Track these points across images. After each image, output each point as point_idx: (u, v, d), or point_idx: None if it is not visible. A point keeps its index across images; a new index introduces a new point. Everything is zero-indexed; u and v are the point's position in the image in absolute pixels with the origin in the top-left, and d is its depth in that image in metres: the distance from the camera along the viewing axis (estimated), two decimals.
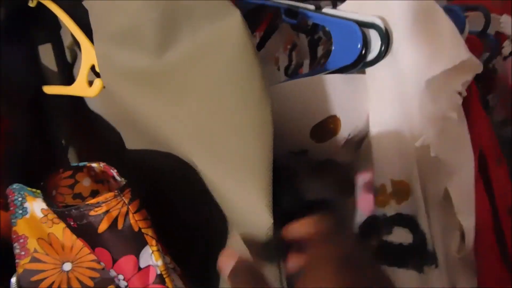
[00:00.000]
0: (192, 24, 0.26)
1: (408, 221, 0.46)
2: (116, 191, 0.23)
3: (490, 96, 0.62)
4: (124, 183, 0.23)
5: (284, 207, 0.31)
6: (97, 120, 0.38)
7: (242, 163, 0.25)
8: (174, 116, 0.27)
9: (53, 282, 0.28)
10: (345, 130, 0.44)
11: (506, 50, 0.62)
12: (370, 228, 0.49)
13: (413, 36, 0.42)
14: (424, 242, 0.44)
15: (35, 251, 0.27)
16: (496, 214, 0.44)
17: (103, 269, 0.28)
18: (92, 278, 0.28)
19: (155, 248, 0.24)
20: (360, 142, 0.48)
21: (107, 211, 0.23)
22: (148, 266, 0.24)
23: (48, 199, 0.26)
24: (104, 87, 0.31)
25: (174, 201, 0.28)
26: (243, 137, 0.25)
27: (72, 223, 0.23)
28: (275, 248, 0.26)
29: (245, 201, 0.25)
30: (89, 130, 0.38)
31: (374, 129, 0.46)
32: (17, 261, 0.28)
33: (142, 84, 0.27)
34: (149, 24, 0.26)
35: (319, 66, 0.54)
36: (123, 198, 0.23)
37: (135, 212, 0.23)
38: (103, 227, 0.23)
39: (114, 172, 0.25)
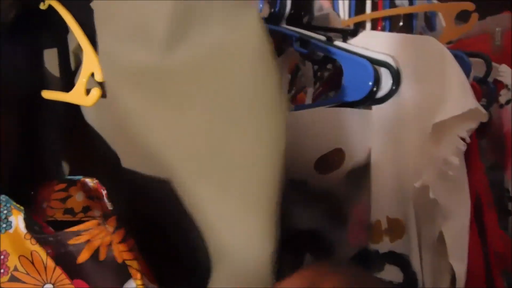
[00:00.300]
0: (206, 22, 0.23)
1: (400, 260, 0.44)
2: (99, 218, 0.20)
3: (482, 141, 0.61)
4: (111, 209, 0.20)
5: None
6: (92, 133, 0.34)
7: (246, 184, 0.22)
8: (171, 125, 0.23)
9: None
10: (348, 164, 0.42)
11: (503, 98, 0.62)
12: (361, 262, 0.47)
13: (422, 78, 0.40)
14: (415, 282, 0.42)
15: (15, 269, 0.24)
16: (487, 261, 0.41)
17: None
18: None
19: (139, 282, 0.21)
20: (359, 176, 0.46)
21: (88, 241, 0.19)
22: None
23: (30, 219, 0.22)
24: (103, 96, 0.28)
25: (163, 224, 0.25)
26: (251, 154, 0.22)
27: (49, 251, 0.20)
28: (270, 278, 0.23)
29: (245, 228, 0.21)
30: (84, 143, 0.35)
31: (374, 165, 0.44)
32: None
33: (145, 85, 0.24)
34: (160, 19, 0.23)
35: (325, 97, 0.52)
36: (107, 226, 0.20)
37: (119, 242, 0.20)
38: (83, 257, 0.20)
39: (104, 192, 0.22)
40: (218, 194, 0.22)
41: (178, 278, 0.25)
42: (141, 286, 0.21)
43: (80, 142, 0.34)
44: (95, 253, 0.20)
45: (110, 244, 0.20)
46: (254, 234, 0.22)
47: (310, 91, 0.55)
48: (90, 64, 0.28)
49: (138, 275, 0.21)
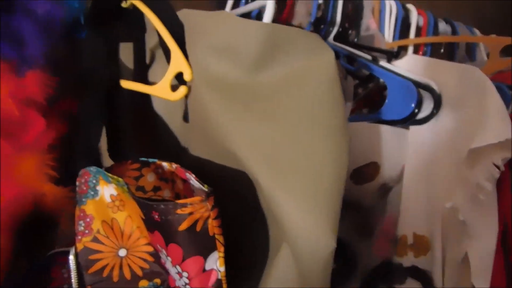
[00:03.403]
0: (291, 53, 0.28)
1: (422, 276, 0.46)
2: (203, 196, 0.24)
3: None
4: (210, 190, 0.24)
5: None
6: (159, 122, 0.39)
7: (315, 191, 0.26)
8: (251, 134, 0.28)
9: (107, 264, 0.29)
10: (382, 178, 0.45)
11: None
12: (383, 273, 0.50)
13: (462, 104, 0.43)
14: None
15: (98, 232, 0.28)
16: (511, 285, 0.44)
17: (153, 262, 0.29)
18: (142, 268, 0.29)
19: (222, 254, 0.25)
20: (390, 190, 0.49)
21: (191, 213, 0.24)
22: (211, 270, 0.25)
23: (131, 192, 0.27)
24: (186, 96, 0.33)
25: (225, 214, 0.29)
26: (322, 166, 0.26)
27: (156, 217, 0.24)
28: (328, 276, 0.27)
29: (310, 229, 0.26)
30: (150, 130, 0.40)
31: (407, 182, 0.47)
32: (78, 237, 0.29)
33: (228, 96, 0.29)
34: (253, 44, 0.28)
35: (360, 113, 0.55)
36: (207, 204, 0.24)
37: (214, 219, 0.24)
38: (184, 226, 0.24)
39: (192, 176, 0.27)
40: (292, 196, 0.26)
41: (239, 262, 0.29)
42: (222, 258, 0.25)
43: (147, 128, 0.38)
44: (194, 224, 0.24)
45: (207, 219, 0.24)
46: (323, 230, 0.26)
47: (348, 105, 0.58)
48: (178, 64, 0.32)
49: (222, 249, 0.25)
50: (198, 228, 0.24)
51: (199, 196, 0.23)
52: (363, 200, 0.49)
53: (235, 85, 0.29)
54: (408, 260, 0.47)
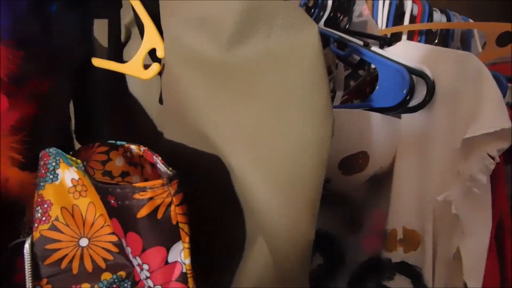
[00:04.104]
0: (270, 28, 0.25)
1: (412, 272, 0.45)
2: (165, 179, 0.21)
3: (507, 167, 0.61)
4: (173, 173, 0.22)
5: None
6: (134, 104, 0.36)
7: (293, 175, 0.24)
8: (226, 115, 0.25)
9: (66, 255, 0.26)
10: (371, 168, 0.43)
11: None
12: (371, 269, 0.48)
13: (457, 92, 0.41)
14: None
15: (56, 219, 0.26)
16: (504, 285, 0.42)
17: (118, 253, 0.27)
18: (105, 260, 0.26)
19: (187, 245, 0.22)
20: (380, 182, 0.47)
21: (151, 198, 0.21)
22: (175, 262, 0.22)
23: (89, 173, 0.24)
24: (160, 73, 0.30)
25: (200, 200, 0.27)
26: (302, 149, 0.24)
27: (112, 202, 0.22)
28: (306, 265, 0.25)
29: (288, 215, 0.23)
30: (124, 112, 0.37)
31: (397, 174, 0.45)
32: (35, 225, 0.26)
33: (204, 72, 0.26)
34: (230, 16, 0.25)
35: (353, 101, 0.53)
36: (170, 188, 0.21)
37: (177, 205, 0.22)
38: (143, 212, 0.21)
39: (158, 159, 0.24)
40: (268, 179, 0.24)
41: (212, 253, 0.27)
42: (187, 250, 0.22)
43: (121, 110, 0.35)
44: (154, 211, 0.21)
45: (169, 205, 0.21)
46: (301, 218, 0.24)
47: (339, 94, 0.56)
48: (151, 40, 0.30)
49: (187, 239, 0.22)
50: (159, 215, 0.21)
51: (161, 180, 0.21)
52: (352, 192, 0.48)
53: (211, 62, 0.26)
54: (397, 255, 0.45)
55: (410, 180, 0.44)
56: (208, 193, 0.27)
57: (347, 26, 0.55)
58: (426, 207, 0.43)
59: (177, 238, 0.22)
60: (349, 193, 0.47)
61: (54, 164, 0.26)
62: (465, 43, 0.65)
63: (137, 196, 0.21)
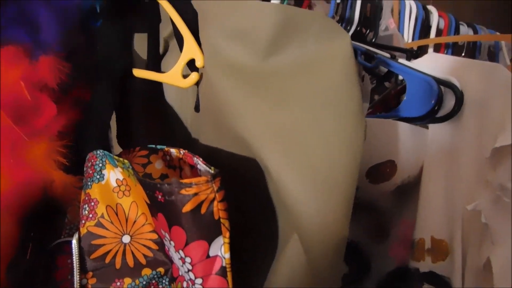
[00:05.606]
0: (304, 38, 0.26)
1: (440, 282, 0.44)
2: (209, 176, 0.22)
3: None
4: (216, 171, 0.23)
5: None
6: (171, 112, 0.38)
7: (328, 176, 0.25)
8: (263, 119, 0.27)
9: (110, 250, 0.27)
10: (399, 177, 0.43)
11: None
12: (399, 278, 0.47)
13: (485, 103, 0.41)
14: None
15: (102, 216, 0.27)
16: None
17: (158, 250, 0.28)
18: (145, 256, 0.28)
19: (227, 240, 0.23)
20: (408, 192, 0.47)
21: (196, 194, 0.22)
22: (216, 256, 0.23)
23: (137, 173, 0.26)
24: (197, 83, 0.32)
25: (235, 201, 0.28)
26: (336, 152, 0.25)
27: (159, 197, 0.23)
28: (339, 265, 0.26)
29: (323, 214, 0.24)
30: (161, 120, 0.39)
31: (425, 183, 0.45)
32: (82, 221, 0.28)
33: (242, 80, 0.28)
34: (266, 28, 0.26)
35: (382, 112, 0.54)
36: (213, 185, 0.22)
37: (220, 201, 0.23)
38: (187, 207, 0.22)
39: (199, 160, 0.25)
40: (304, 180, 0.25)
41: (246, 253, 0.28)
42: (227, 244, 0.23)
43: (158, 118, 0.37)
44: (198, 206, 0.22)
45: (212, 201, 0.23)
46: (335, 217, 0.24)
47: (365, 106, 0.57)
48: (190, 51, 0.32)
49: (227, 234, 0.23)
50: (203, 210, 0.22)
51: (205, 177, 0.22)
52: (379, 201, 0.48)
53: (248, 70, 0.28)
54: (425, 265, 0.45)
55: (438, 189, 0.44)
56: (242, 194, 0.28)
57: (373, 40, 0.56)
58: (455, 217, 0.42)
59: (218, 233, 0.23)
60: (376, 202, 0.47)
61: (100, 165, 0.28)
62: (493, 57, 0.65)
63: (183, 191, 0.22)
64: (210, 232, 0.23)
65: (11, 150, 0.30)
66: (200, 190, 0.22)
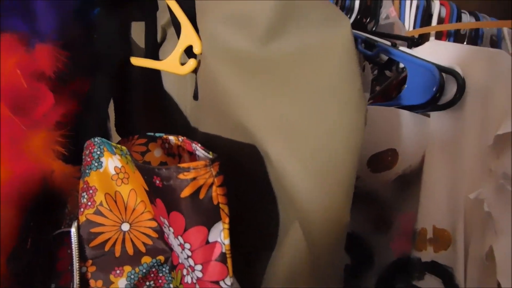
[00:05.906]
0: (304, 23, 0.26)
1: (443, 271, 0.44)
2: (207, 161, 0.22)
3: None
4: (215, 156, 0.23)
5: None
6: (169, 101, 0.38)
7: (329, 163, 0.24)
8: (263, 106, 0.26)
9: (109, 238, 0.27)
10: (400, 166, 0.43)
11: None
12: (400, 268, 0.47)
13: (488, 90, 0.40)
14: None
15: (101, 204, 0.27)
16: None
17: (157, 238, 0.28)
18: (145, 244, 0.28)
19: (226, 226, 0.23)
20: (409, 181, 0.46)
21: (194, 178, 0.22)
22: (215, 242, 0.23)
23: (134, 158, 0.25)
24: (195, 71, 0.31)
25: (235, 189, 0.27)
26: (336, 138, 0.25)
27: (157, 182, 0.23)
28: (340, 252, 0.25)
29: (324, 200, 0.24)
30: (160, 108, 0.39)
31: (427, 172, 0.44)
32: (81, 209, 0.28)
33: (241, 67, 0.27)
34: (265, 13, 0.26)
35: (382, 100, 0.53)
36: (211, 169, 0.22)
37: (218, 186, 0.22)
38: (186, 192, 0.22)
39: (197, 146, 0.25)
40: (305, 167, 0.25)
41: (246, 241, 0.27)
42: (227, 230, 0.23)
43: (156, 107, 0.37)
44: (197, 191, 0.22)
45: (211, 185, 0.22)
46: (336, 203, 0.24)
47: (366, 96, 0.56)
48: (188, 37, 0.31)
49: (227, 220, 0.23)
50: (202, 195, 0.22)
51: (204, 161, 0.22)
52: (381, 190, 0.47)
53: (247, 57, 0.27)
54: (427, 255, 0.44)
55: (440, 178, 0.43)
56: (242, 182, 0.28)
57: (373, 29, 0.55)
58: (457, 206, 0.42)
59: (218, 218, 0.23)
60: (378, 192, 0.47)
61: (98, 152, 0.28)
62: (495, 46, 0.64)
63: (181, 176, 0.22)
64: (209, 218, 0.22)
65: (10, 141, 0.30)
66: (198, 174, 0.22)
